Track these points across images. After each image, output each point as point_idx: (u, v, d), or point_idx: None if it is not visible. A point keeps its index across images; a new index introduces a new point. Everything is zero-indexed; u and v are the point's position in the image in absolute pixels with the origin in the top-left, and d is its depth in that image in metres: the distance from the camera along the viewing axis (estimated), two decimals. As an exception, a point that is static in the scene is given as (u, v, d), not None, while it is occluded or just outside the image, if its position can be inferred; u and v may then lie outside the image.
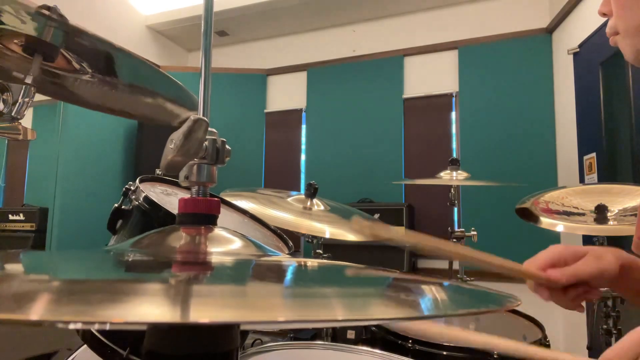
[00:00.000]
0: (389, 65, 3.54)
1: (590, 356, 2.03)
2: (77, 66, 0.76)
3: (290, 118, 3.85)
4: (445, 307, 0.32)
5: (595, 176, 2.47)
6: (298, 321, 0.20)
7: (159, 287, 0.26)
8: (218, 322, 0.22)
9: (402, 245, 0.56)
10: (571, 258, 0.61)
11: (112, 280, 0.30)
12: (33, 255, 0.42)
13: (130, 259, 0.39)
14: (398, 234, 0.53)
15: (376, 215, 2.77)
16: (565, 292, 0.61)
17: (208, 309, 0.22)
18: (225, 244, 0.43)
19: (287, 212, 1.31)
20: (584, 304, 0.64)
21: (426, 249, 0.48)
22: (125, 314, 0.18)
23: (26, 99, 0.69)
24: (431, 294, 0.33)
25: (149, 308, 0.21)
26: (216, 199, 0.46)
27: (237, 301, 0.24)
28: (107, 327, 0.17)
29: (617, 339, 1.20)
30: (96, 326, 0.17)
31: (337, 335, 1.51)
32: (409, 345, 1.07)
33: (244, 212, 0.92)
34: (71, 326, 0.16)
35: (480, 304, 0.34)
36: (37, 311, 0.17)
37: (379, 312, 0.26)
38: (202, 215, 0.45)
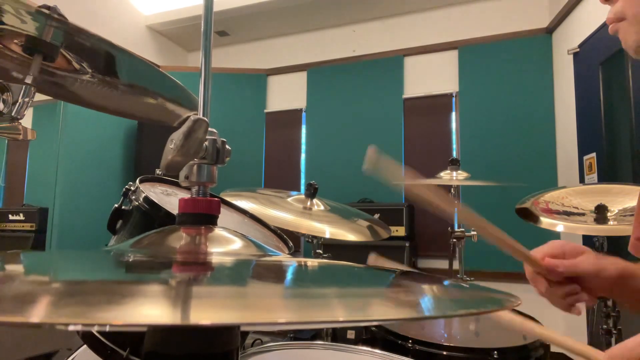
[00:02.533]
0: (389, 65, 3.53)
1: None
2: (77, 66, 0.76)
3: (290, 118, 3.85)
4: (445, 308, 0.32)
5: (595, 176, 2.46)
6: (299, 322, 0.20)
7: (159, 288, 0.26)
8: (218, 324, 0.22)
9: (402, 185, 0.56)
10: (571, 253, 0.63)
11: (112, 282, 0.29)
12: (33, 255, 0.42)
13: (130, 260, 0.39)
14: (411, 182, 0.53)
15: (376, 215, 2.77)
16: (561, 287, 0.61)
17: (208, 311, 0.22)
18: (225, 244, 0.43)
19: (287, 212, 1.31)
20: (583, 309, 0.65)
21: (437, 205, 0.49)
22: (125, 316, 0.18)
23: (26, 99, 0.69)
24: (431, 295, 0.33)
25: (149, 310, 0.21)
26: (216, 199, 0.46)
27: (237, 302, 0.24)
28: (107, 329, 0.17)
29: (617, 339, 1.20)
30: (96, 328, 0.17)
31: (337, 335, 1.51)
32: (409, 345, 1.07)
33: (244, 212, 0.91)
34: (71, 328, 0.16)
35: (480, 304, 0.34)
36: (37, 313, 0.17)
37: (379, 312, 0.26)
38: (202, 215, 0.45)
